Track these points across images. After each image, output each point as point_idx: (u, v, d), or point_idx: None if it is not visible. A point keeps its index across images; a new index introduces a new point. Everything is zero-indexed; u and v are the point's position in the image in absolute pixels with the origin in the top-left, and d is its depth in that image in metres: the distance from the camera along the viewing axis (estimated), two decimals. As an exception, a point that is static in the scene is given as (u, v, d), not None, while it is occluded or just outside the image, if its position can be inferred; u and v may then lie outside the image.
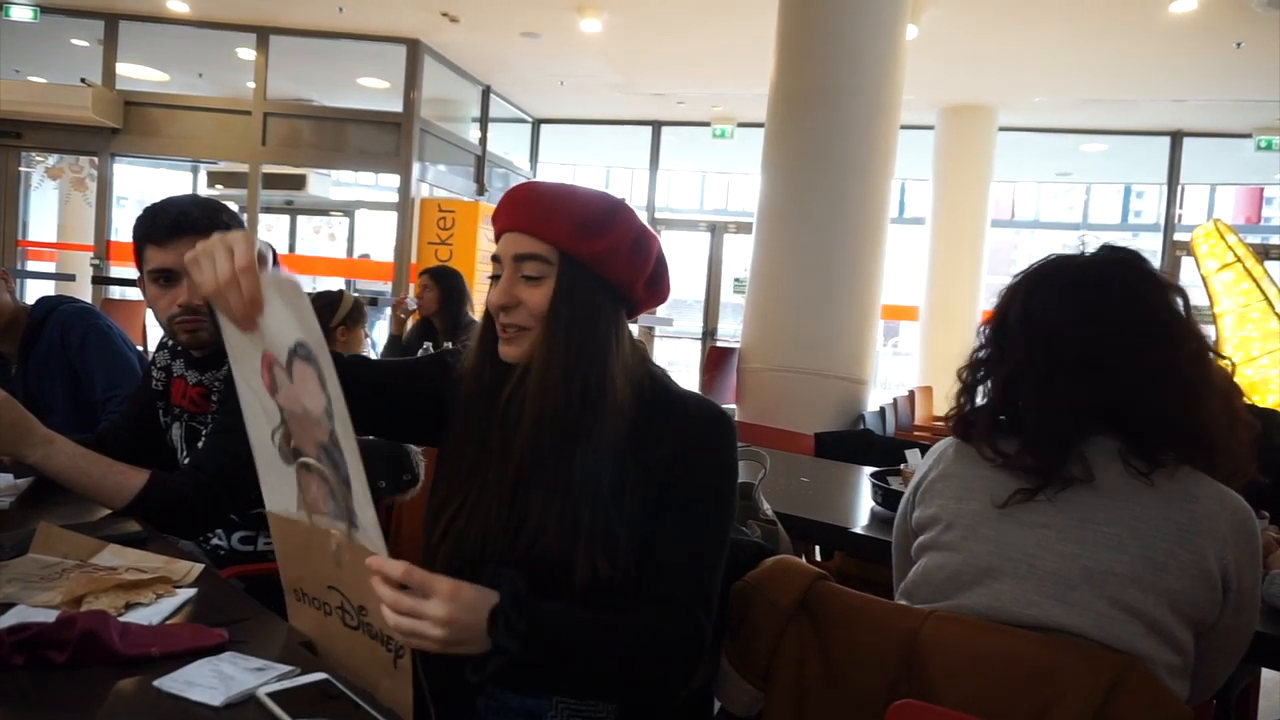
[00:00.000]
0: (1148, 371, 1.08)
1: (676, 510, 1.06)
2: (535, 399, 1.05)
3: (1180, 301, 1.13)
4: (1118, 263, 1.15)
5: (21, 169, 8.13)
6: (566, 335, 1.05)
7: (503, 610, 0.90)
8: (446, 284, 4.04)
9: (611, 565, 1.03)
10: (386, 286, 8.12)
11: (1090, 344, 1.10)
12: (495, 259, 1.11)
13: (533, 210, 1.07)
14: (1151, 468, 1.06)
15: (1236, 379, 1.14)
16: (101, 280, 7.63)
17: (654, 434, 1.07)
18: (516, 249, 1.07)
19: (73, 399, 2.13)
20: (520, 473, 1.08)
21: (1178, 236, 8.50)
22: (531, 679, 0.96)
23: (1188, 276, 7.08)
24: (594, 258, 1.06)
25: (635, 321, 1.22)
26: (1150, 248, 8.96)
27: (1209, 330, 5.42)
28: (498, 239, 1.11)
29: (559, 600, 1.02)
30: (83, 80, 7.46)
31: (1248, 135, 8.22)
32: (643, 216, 1.14)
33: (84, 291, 7.62)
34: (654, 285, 1.13)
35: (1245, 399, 1.15)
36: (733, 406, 4.84)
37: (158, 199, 1.63)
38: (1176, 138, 8.57)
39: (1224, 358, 1.14)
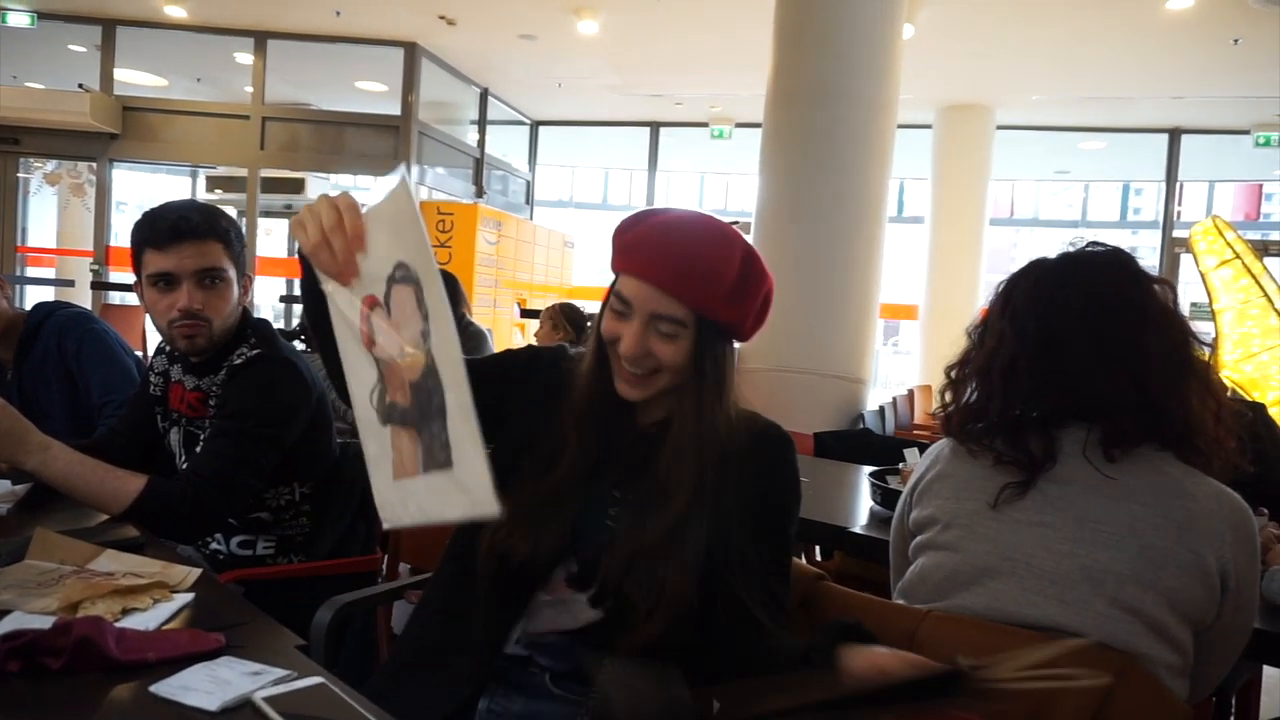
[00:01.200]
0: (1110, 354, 1.08)
1: (769, 537, 1.10)
2: (674, 459, 1.06)
3: (1161, 291, 1.13)
4: (1092, 254, 1.17)
5: (20, 175, 8.14)
6: (703, 390, 1.06)
7: None
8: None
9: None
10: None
11: (1051, 324, 1.12)
12: (617, 295, 1.06)
13: (684, 278, 1.02)
14: (1127, 453, 1.06)
15: (1237, 374, 1.14)
16: (101, 285, 7.64)
17: (731, 460, 1.09)
18: (655, 308, 1.03)
19: (69, 404, 2.13)
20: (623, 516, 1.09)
21: (1176, 233, 8.51)
22: None
23: (1186, 274, 7.08)
24: (729, 320, 1.06)
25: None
26: (1149, 245, 8.98)
27: (1207, 327, 5.41)
28: (622, 271, 1.06)
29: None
30: (81, 86, 7.49)
31: (1246, 131, 8.22)
32: None
33: (83, 297, 7.63)
34: (762, 319, 1.12)
35: (1232, 391, 1.15)
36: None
37: (157, 204, 1.64)
38: (1175, 135, 8.58)
39: (1208, 346, 1.14)
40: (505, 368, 1.23)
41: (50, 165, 9.04)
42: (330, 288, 0.98)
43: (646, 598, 1.02)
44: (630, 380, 1.07)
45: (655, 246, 1.03)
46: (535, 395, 1.17)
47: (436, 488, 0.93)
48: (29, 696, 0.85)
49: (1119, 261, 1.14)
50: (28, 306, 2.27)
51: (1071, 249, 1.17)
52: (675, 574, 1.03)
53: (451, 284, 4.10)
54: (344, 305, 0.98)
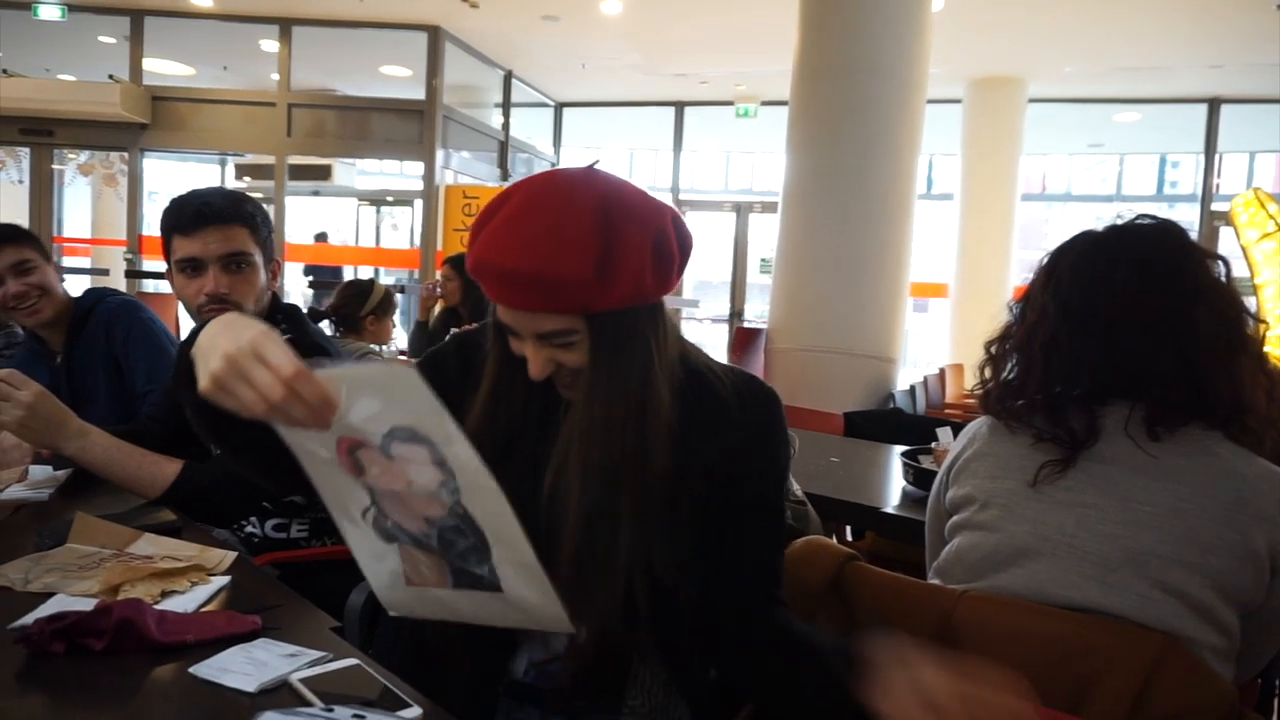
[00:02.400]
0: (1157, 328, 1.05)
1: (752, 509, 1.02)
2: (581, 446, 0.95)
3: (1214, 265, 1.09)
4: (1141, 226, 1.13)
5: (55, 166, 8.26)
6: (609, 380, 0.94)
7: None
8: (467, 273, 4.05)
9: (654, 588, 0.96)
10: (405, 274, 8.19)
11: (1096, 298, 1.08)
12: (499, 322, 0.97)
13: (536, 290, 0.88)
14: (1172, 432, 1.03)
15: (1279, 349, 1.11)
16: (134, 274, 7.75)
17: (706, 426, 0.99)
18: (535, 328, 0.92)
19: (114, 390, 2.17)
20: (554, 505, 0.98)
21: (1215, 207, 8.30)
22: None
23: (1227, 247, 6.90)
24: (623, 302, 0.91)
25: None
26: (1187, 219, 8.76)
27: (1249, 302, 5.28)
28: (500, 309, 0.95)
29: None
30: (111, 77, 7.56)
31: (1288, 100, 7.99)
32: (666, 199, 1.02)
33: (117, 285, 7.75)
34: (685, 263, 0.99)
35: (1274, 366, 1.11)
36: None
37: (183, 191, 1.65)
38: (1214, 105, 8.35)
39: (1262, 322, 1.11)
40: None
41: (83, 156, 9.16)
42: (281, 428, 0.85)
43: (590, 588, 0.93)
44: (562, 384, 0.99)
45: (495, 270, 0.89)
46: (464, 389, 1.05)
47: (476, 600, 0.90)
48: (73, 676, 0.87)
49: (1170, 233, 1.11)
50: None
51: (1120, 221, 1.14)
52: (602, 556, 0.93)
53: (449, 262, 4.13)
54: (305, 439, 0.86)
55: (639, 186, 0.95)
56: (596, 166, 0.96)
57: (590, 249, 0.86)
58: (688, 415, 0.98)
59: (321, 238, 9.48)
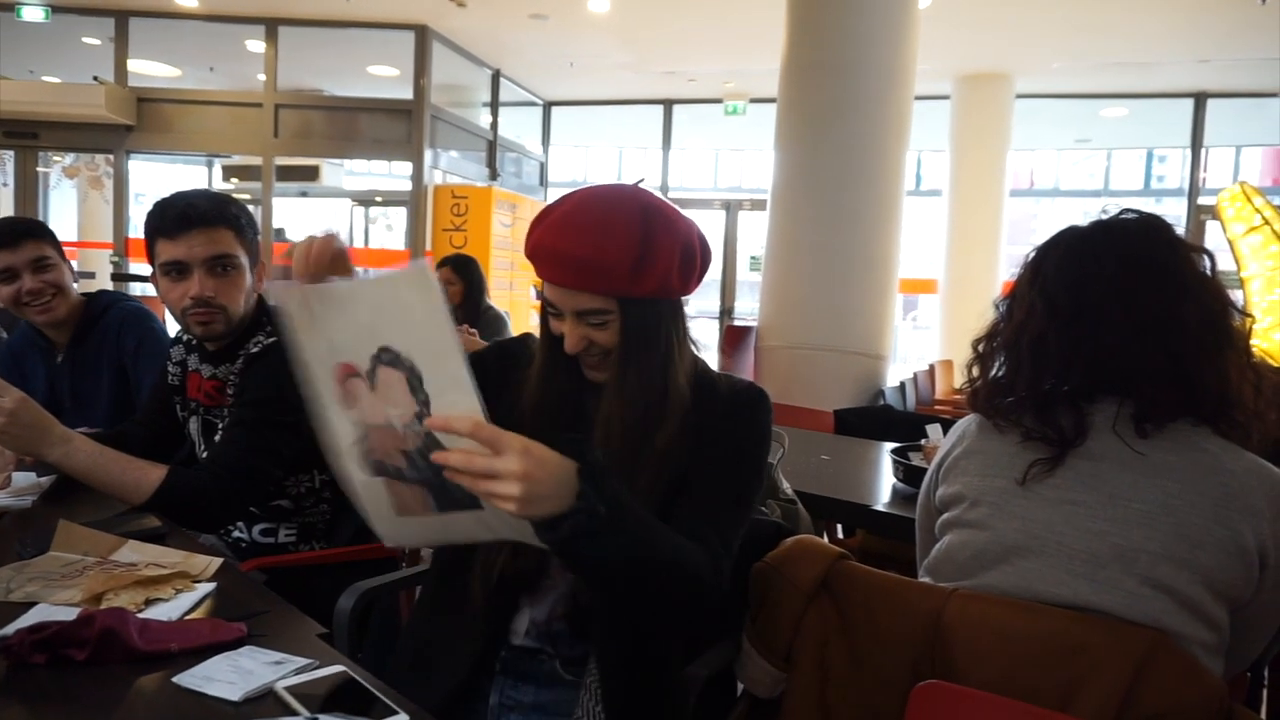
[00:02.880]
0: (1144, 324, 1.05)
1: (704, 468, 1.10)
2: (614, 414, 1.09)
3: (1199, 259, 1.09)
4: (1126, 221, 1.13)
5: (40, 169, 8.19)
6: (638, 365, 1.09)
7: (594, 470, 0.87)
8: (468, 275, 4.03)
9: None
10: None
11: (1083, 294, 1.09)
12: (544, 299, 1.11)
13: (582, 272, 1.05)
14: (1160, 428, 1.03)
15: (1266, 342, 1.10)
16: (121, 277, 7.70)
17: (702, 414, 1.11)
18: (575, 305, 1.08)
19: (116, 396, 2.15)
20: None
21: (1202, 200, 8.34)
22: (596, 552, 0.90)
23: (1213, 241, 6.93)
24: (650, 289, 1.07)
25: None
26: (1174, 213, 8.80)
27: (1235, 295, 5.31)
28: (546, 285, 1.10)
29: None
30: (95, 79, 7.50)
31: (1274, 94, 8.02)
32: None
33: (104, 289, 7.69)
34: (701, 276, 1.15)
35: (1260, 359, 1.11)
36: (751, 385, 4.78)
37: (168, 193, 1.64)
38: (1200, 99, 8.39)
39: (1248, 316, 1.11)
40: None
41: (69, 159, 9.09)
42: (299, 335, 0.95)
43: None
44: (590, 365, 1.12)
45: (550, 252, 1.06)
46: (502, 391, 1.14)
47: (460, 522, 0.93)
48: (54, 688, 0.86)
49: (1155, 228, 1.11)
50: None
51: (1105, 216, 1.14)
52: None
53: (474, 270, 4.08)
54: (315, 358, 0.95)
55: (673, 203, 1.13)
56: (641, 184, 1.14)
57: (631, 244, 1.03)
58: (693, 405, 1.11)
59: (279, 235, 9.27)
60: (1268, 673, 1.76)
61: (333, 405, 0.94)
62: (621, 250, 1.03)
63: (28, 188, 7.94)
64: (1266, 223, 5.49)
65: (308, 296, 0.94)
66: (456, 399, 0.84)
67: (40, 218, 8.11)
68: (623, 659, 1.07)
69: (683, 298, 1.15)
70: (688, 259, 1.09)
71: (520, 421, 0.99)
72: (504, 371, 1.19)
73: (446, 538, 1.02)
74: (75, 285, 2.19)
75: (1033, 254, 1.16)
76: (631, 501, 0.94)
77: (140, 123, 7.58)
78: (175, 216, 1.56)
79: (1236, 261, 5.58)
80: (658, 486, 1.07)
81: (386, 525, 0.99)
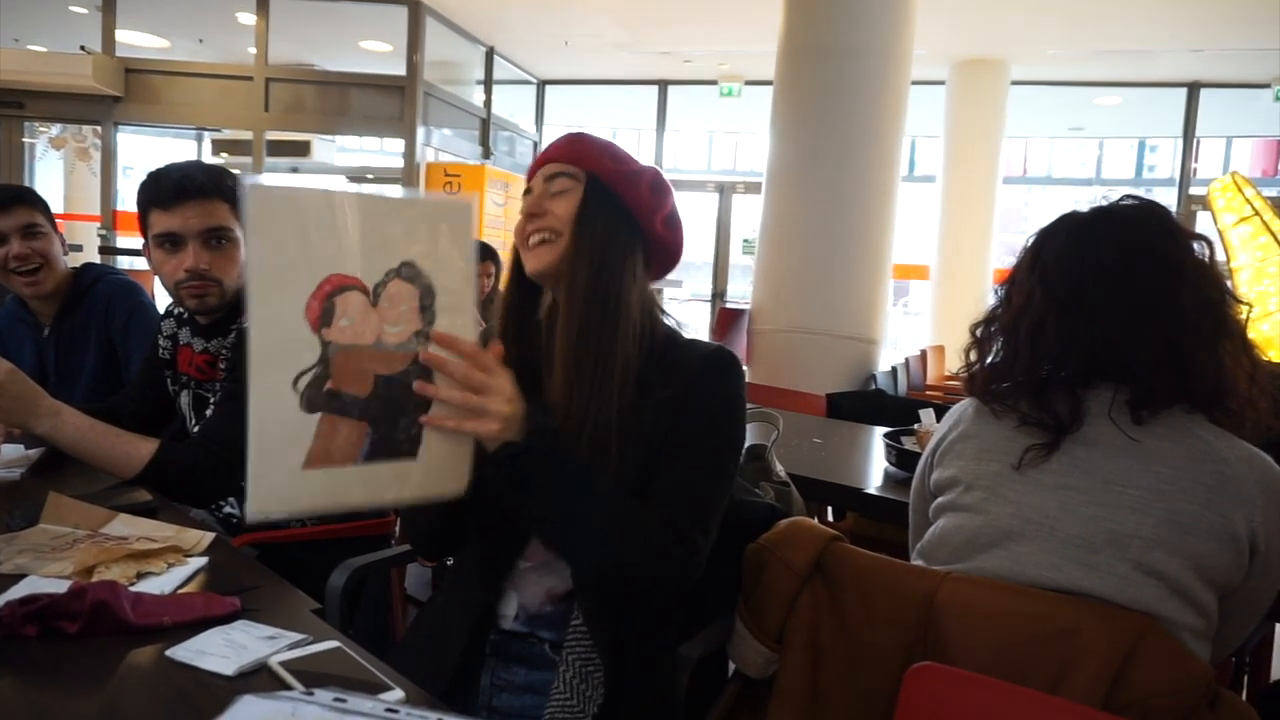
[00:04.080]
0: (1142, 312, 1.05)
1: (675, 441, 1.08)
2: (566, 310, 1.09)
3: (1198, 247, 1.09)
4: (1125, 208, 1.13)
5: (25, 140, 8.08)
6: (592, 243, 1.10)
7: (541, 408, 0.94)
8: (499, 265, 3.96)
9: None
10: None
11: (1082, 281, 1.08)
12: (527, 193, 1.17)
13: (568, 144, 1.16)
14: (1155, 415, 1.03)
15: (1253, 333, 1.11)
16: (109, 250, 7.62)
17: (660, 376, 1.10)
18: (548, 171, 1.15)
19: (102, 370, 2.13)
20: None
21: (1193, 191, 8.37)
22: (543, 488, 0.95)
23: (1204, 231, 6.94)
24: (616, 176, 1.13)
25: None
26: (1165, 203, 8.81)
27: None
28: (531, 177, 1.18)
29: None
30: (82, 48, 7.39)
31: (1266, 86, 8.04)
32: None
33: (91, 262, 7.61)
34: (670, 226, 1.17)
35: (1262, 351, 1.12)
36: (744, 369, 4.79)
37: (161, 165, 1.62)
38: (1193, 89, 8.40)
39: (1246, 303, 1.11)
40: None
41: (55, 129, 8.96)
42: (265, 253, 0.86)
43: None
44: (530, 249, 1.13)
45: (556, 140, 1.19)
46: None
47: (380, 475, 0.91)
48: (46, 660, 0.85)
49: (1154, 215, 1.11)
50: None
51: (1104, 203, 1.14)
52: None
53: (493, 255, 4.00)
54: (280, 274, 0.86)
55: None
56: None
57: (622, 149, 1.16)
58: (653, 363, 1.10)
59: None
60: (1249, 657, 1.79)
61: (296, 325, 0.87)
62: (611, 145, 1.16)
63: (13, 158, 7.83)
64: (1257, 213, 5.51)
65: (336, 200, 0.88)
66: (460, 324, 0.88)
67: (25, 189, 8.00)
68: (609, 639, 1.07)
69: (647, 248, 1.15)
70: (659, 188, 1.16)
71: None
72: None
73: (336, 501, 0.92)
74: (65, 258, 2.16)
75: (1032, 240, 1.16)
76: (574, 449, 1.00)
77: (128, 94, 7.48)
78: (170, 188, 1.54)
79: (1227, 252, 5.60)
80: (613, 437, 1.05)
81: (276, 483, 0.89)
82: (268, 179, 0.88)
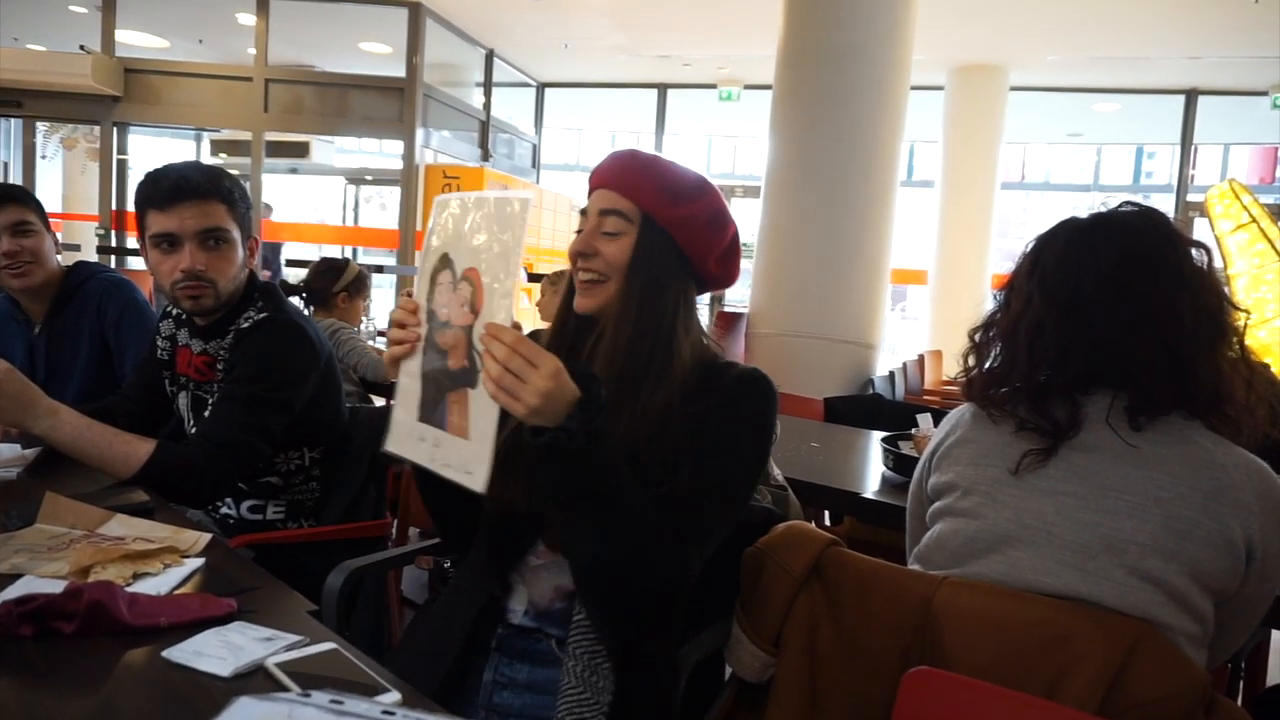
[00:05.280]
0: (1141, 318, 1.05)
1: (691, 455, 1.07)
2: (606, 355, 1.09)
3: (1198, 255, 1.10)
4: (1124, 214, 1.13)
5: (37, 139, 8.06)
6: (641, 294, 1.10)
7: (592, 402, 0.93)
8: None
9: None
10: (391, 256, 8.10)
11: (1081, 287, 1.09)
12: (583, 213, 1.16)
13: (625, 172, 1.13)
14: (1153, 422, 1.03)
15: (1249, 340, 1.11)
16: (107, 250, 7.61)
17: (698, 393, 1.10)
18: (602, 204, 1.13)
19: (95, 367, 2.13)
20: None
21: (1190, 197, 8.39)
22: (569, 477, 0.96)
23: (1201, 238, 6.96)
24: (672, 222, 1.11)
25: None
26: (1162, 209, 8.83)
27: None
28: (590, 194, 1.18)
29: None
30: (82, 48, 7.38)
31: (1264, 93, 8.07)
32: None
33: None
34: (725, 262, 1.17)
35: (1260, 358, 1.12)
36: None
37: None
38: (1191, 96, 8.42)
39: (1243, 311, 1.11)
40: None
41: (67, 129, 8.96)
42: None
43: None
44: (581, 288, 1.13)
45: (609, 158, 1.16)
46: None
47: (427, 434, 0.99)
48: (42, 660, 0.85)
49: (1154, 221, 1.11)
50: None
51: (1103, 209, 1.14)
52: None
53: None
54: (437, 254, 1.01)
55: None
56: None
57: (683, 179, 1.13)
58: (694, 382, 1.11)
59: (266, 211, 8.99)
60: (1245, 663, 1.79)
61: (424, 291, 1.01)
62: (671, 175, 1.12)
63: (27, 157, 7.81)
64: (1254, 220, 5.52)
65: (468, 198, 1.00)
66: (503, 314, 0.92)
67: (29, 188, 7.98)
68: (610, 634, 1.07)
69: (700, 284, 1.17)
70: (717, 224, 1.14)
71: None
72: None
73: (433, 459, 1.00)
74: (58, 257, 2.15)
75: (1031, 245, 1.16)
76: (613, 446, 0.98)
77: (127, 94, 7.47)
78: (167, 188, 1.54)
79: (1224, 259, 5.61)
80: (639, 447, 1.05)
81: (403, 426, 1.02)
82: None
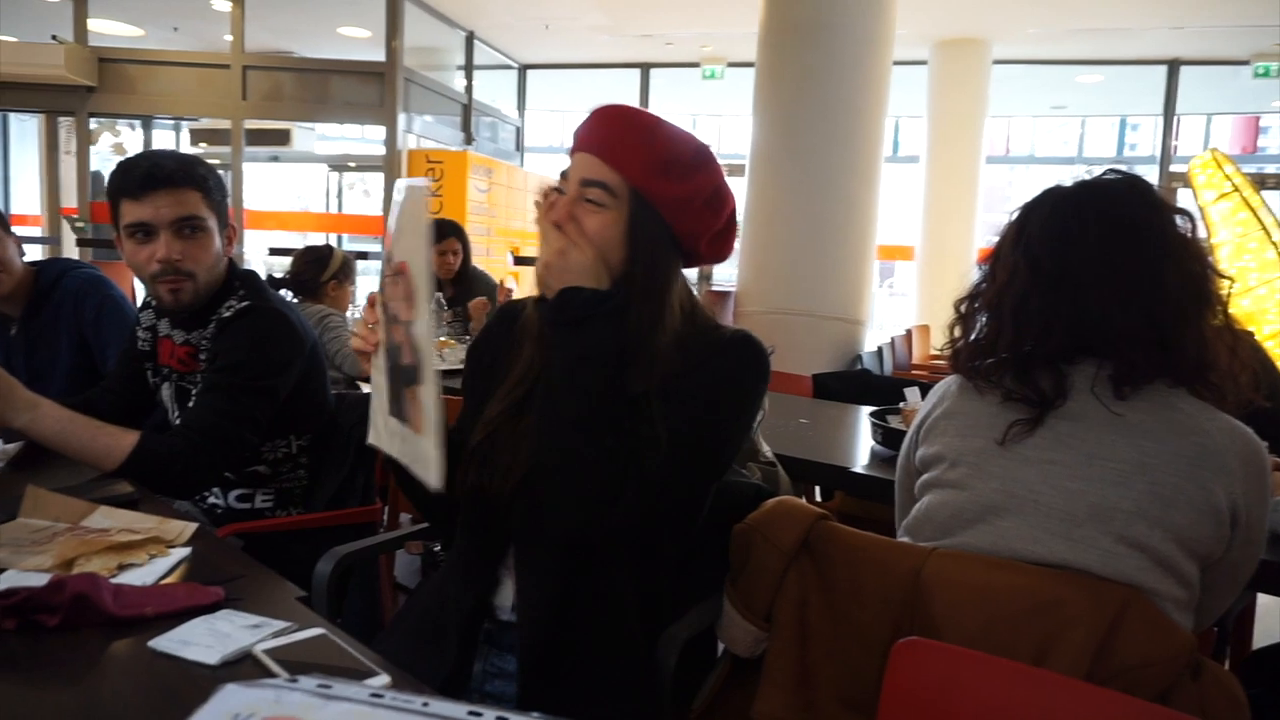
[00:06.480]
0: (1126, 287, 1.05)
1: (670, 419, 1.02)
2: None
3: (1182, 222, 1.10)
4: (1109, 182, 1.13)
5: (60, 135, 7.90)
6: (625, 279, 1.02)
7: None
8: (464, 239, 3.97)
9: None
10: (376, 243, 8.04)
11: (1065, 257, 1.09)
12: (563, 176, 1.06)
13: (614, 138, 1.01)
14: (1138, 390, 1.04)
15: (1232, 309, 1.11)
16: (86, 243, 7.52)
17: (681, 364, 1.04)
18: (586, 173, 1.02)
19: (75, 365, 2.10)
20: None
21: (1174, 168, 8.42)
22: (596, 337, 0.98)
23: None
24: (666, 202, 1.01)
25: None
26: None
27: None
28: (572, 156, 1.05)
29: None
30: (54, 37, 7.27)
31: (1245, 62, 8.08)
32: None
33: (68, 254, 7.52)
34: (718, 243, 1.09)
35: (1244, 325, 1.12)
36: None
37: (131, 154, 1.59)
38: (1174, 66, 8.44)
39: (1227, 278, 1.11)
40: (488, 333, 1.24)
41: (91, 124, 8.84)
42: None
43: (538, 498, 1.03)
44: (545, 261, 1.02)
45: (595, 114, 1.04)
46: (502, 342, 1.18)
47: (394, 429, 1.01)
48: (25, 654, 0.84)
49: (1138, 189, 1.11)
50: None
51: (1088, 177, 1.14)
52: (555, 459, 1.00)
53: (458, 231, 4.00)
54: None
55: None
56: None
57: (681, 149, 1.01)
58: (679, 357, 1.04)
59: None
60: (1232, 626, 1.81)
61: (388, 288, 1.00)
62: (668, 143, 1.01)
63: (50, 154, 7.67)
64: (1236, 189, 5.55)
65: (400, 185, 0.98)
66: (421, 299, 0.93)
67: (1, 183, 7.88)
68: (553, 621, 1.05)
69: (688, 260, 1.09)
70: (715, 202, 1.05)
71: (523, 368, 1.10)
72: (509, 331, 1.18)
73: (398, 450, 1.02)
74: (21, 259, 2.10)
75: (1016, 214, 1.16)
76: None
77: (102, 84, 7.37)
78: (140, 176, 1.51)
79: (1207, 228, 5.64)
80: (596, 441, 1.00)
81: (378, 420, 1.03)
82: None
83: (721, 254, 1.12)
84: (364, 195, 10.48)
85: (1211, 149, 5.83)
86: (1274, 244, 5.33)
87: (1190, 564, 1.03)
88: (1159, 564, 1.00)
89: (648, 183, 1.00)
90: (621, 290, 0.98)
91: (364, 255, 7.45)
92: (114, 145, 9.08)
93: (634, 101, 9.47)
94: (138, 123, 8.65)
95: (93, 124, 8.66)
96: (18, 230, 2.14)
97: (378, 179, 8.30)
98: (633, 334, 1.03)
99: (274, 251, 8.30)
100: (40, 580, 0.93)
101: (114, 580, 0.98)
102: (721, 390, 1.06)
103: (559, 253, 1.00)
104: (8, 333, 2.12)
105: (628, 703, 1.06)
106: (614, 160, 1.01)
